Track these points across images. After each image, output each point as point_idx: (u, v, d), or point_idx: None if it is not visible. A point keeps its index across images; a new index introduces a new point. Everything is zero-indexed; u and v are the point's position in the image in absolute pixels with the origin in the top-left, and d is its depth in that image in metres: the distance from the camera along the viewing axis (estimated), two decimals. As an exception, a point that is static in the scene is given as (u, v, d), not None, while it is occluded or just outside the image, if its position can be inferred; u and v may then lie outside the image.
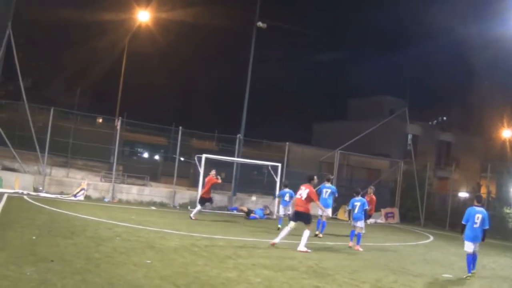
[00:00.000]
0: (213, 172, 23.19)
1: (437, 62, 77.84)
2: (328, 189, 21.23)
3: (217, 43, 67.96)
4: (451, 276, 13.60)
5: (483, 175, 40.54)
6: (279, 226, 21.31)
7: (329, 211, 21.37)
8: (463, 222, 14.08)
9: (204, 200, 23.03)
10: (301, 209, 15.72)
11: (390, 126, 46.17)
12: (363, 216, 18.50)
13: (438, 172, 53.92)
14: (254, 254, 13.62)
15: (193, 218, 22.20)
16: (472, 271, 13.94)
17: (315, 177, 16.90)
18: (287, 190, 23.92)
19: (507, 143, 53.99)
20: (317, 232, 20.62)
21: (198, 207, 22.89)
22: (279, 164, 29.14)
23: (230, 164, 31.48)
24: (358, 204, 18.37)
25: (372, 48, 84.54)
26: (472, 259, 13.96)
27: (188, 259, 11.69)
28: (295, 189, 25.69)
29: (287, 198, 22.69)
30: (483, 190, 41.27)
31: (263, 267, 11.61)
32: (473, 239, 13.83)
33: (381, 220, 33.86)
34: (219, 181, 23.63)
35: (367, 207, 19.05)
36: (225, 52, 73.34)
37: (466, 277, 13.74)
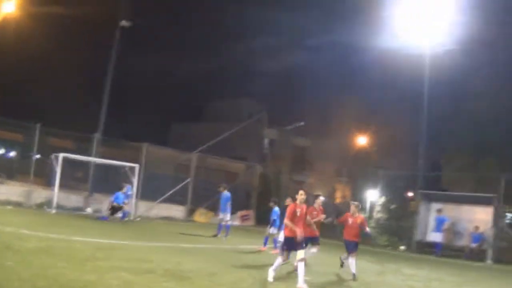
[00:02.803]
0: (320, 199, 16.99)
1: (296, 69, 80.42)
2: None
3: (81, 38, 66.48)
4: (308, 278, 13.51)
5: (340, 179, 42.26)
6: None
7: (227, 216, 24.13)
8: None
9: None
10: None
11: (248, 129, 47.15)
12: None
13: (294, 176, 55.51)
14: (112, 257, 13.67)
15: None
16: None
17: None
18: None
19: (361, 149, 56.67)
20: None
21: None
22: (137, 165, 29.33)
23: (88, 163, 31.13)
24: None
25: (233, 52, 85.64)
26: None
27: (46, 261, 11.64)
28: (153, 188, 27.18)
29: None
30: (338, 194, 43.16)
31: (122, 270, 11.68)
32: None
33: (237, 222, 34.40)
34: (321, 217, 16.52)
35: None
36: (89, 48, 71.89)
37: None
